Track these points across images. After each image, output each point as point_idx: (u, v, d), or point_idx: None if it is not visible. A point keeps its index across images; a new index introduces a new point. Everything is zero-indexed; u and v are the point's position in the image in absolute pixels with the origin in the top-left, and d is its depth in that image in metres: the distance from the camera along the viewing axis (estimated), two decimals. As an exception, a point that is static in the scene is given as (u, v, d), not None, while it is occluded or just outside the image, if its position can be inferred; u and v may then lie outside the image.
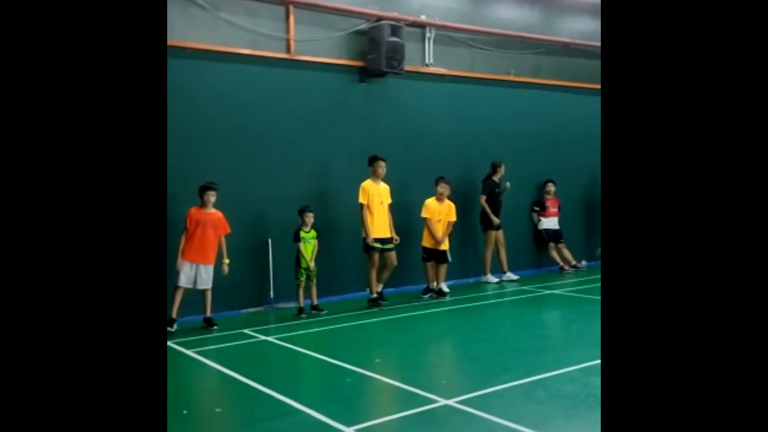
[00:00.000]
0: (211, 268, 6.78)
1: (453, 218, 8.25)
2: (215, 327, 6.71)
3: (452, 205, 8.28)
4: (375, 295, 7.83)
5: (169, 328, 6.47)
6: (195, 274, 6.69)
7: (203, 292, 6.80)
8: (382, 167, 7.78)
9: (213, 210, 6.83)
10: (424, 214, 8.19)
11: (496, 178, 9.36)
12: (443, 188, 8.21)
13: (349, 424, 3.83)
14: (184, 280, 6.63)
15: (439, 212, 8.20)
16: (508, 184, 9.50)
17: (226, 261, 6.87)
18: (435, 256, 8.25)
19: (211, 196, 6.79)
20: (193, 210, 6.76)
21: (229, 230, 6.92)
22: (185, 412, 4.38)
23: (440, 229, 8.18)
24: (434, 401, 4.22)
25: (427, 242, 8.24)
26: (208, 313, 6.84)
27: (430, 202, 8.21)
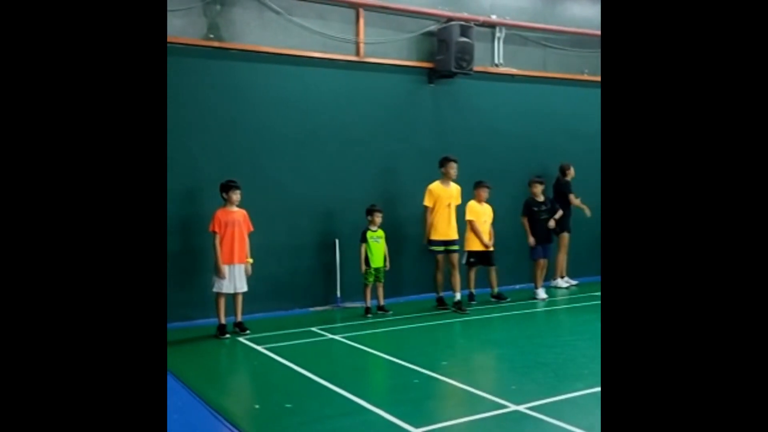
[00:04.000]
0: (243, 268, 6.56)
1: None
2: (248, 331, 6.53)
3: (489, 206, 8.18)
4: (441, 295, 7.83)
5: (223, 336, 6.42)
6: (234, 277, 6.48)
7: (235, 296, 6.55)
8: (453, 168, 7.70)
9: (237, 209, 6.58)
10: (469, 217, 8.00)
11: (568, 179, 9.16)
12: (485, 191, 8.09)
13: (417, 425, 3.83)
14: (227, 286, 6.44)
15: (483, 213, 8.08)
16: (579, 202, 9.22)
17: (250, 260, 6.61)
18: (485, 258, 8.11)
19: (237, 195, 6.54)
20: (219, 212, 6.46)
21: (252, 228, 6.67)
22: (257, 406, 4.50)
23: (486, 231, 8.07)
24: (504, 406, 4.15)
25: (474, 245, 8.04)
26: (240, 318, 6.62)
27: (473, 204, 8.06)
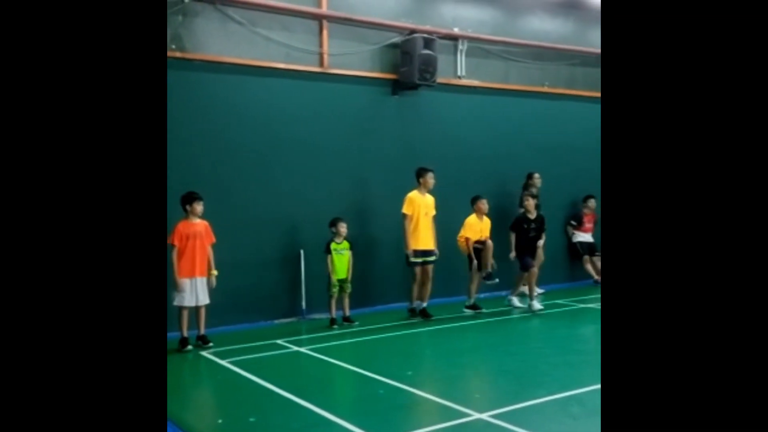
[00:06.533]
0: (205, 280, 6.52)
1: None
2: (211, 344, 6.48)
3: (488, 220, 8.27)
4: (415, 306, 7.80)
5: (185, 349, 6.37)
6: (195, 289, 6.43)
7: (197, 309, 6.51)
8: (432, 178, 7.74)
9: (199, 220, 6.51)
10: (467, 234, 7.98)
11: (534, 190, 9.29)
12: (484, 204, 8.13)
13: (382, 437, 3.83)
14: (188, 299, 6.40)
15: (483, 230, 8.12)
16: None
17: (214, 272, 6.55)
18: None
19: (201, 206, 6.47)
20: (181, 225, 6.40)
21: (214, 240, 6.61)
22: (220, 421, 4.44)
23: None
24: (468, 415, 4.19)
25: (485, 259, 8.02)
26: (203, 331, 6.55)
27: (473, 220, 8.07)
